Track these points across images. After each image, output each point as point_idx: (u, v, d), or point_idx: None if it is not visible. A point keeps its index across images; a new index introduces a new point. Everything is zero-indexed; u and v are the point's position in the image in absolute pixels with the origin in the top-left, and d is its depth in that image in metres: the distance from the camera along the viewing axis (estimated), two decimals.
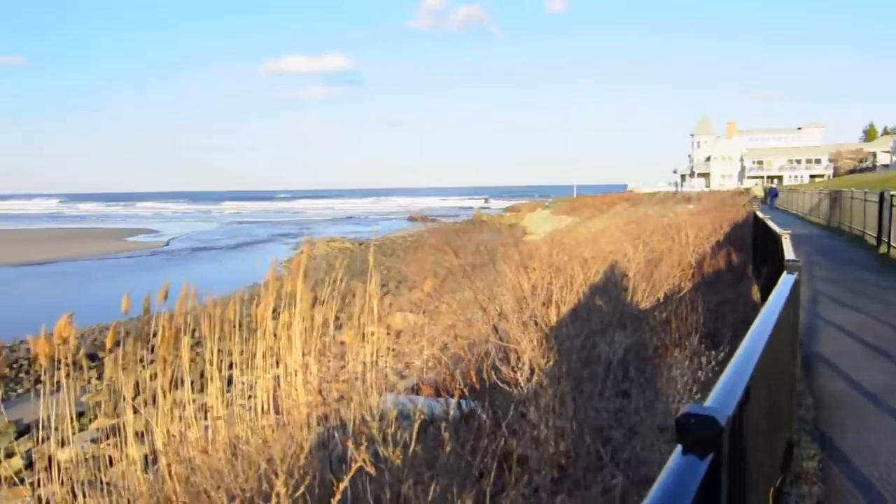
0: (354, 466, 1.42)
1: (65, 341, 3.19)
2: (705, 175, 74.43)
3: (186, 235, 44.11)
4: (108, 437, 9.39)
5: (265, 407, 3.75)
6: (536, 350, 2.45)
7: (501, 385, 2.70)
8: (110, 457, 6.90)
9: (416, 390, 5.22)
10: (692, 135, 78.10)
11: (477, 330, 4.49)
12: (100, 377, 11.43)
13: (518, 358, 2.51)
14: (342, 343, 5.23)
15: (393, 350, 5.13)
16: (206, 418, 4.21)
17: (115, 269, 27.27)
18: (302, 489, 1.35)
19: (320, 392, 3.22)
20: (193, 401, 4.17)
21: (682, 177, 76.96)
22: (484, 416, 2.51)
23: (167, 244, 37.87)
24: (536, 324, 2.61)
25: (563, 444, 2.16)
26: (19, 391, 11.21)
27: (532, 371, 2.37)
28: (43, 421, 9.06)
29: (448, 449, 1.98)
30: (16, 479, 7.44)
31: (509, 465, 1.98)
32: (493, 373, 2.72)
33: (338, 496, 1.28)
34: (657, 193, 48.03)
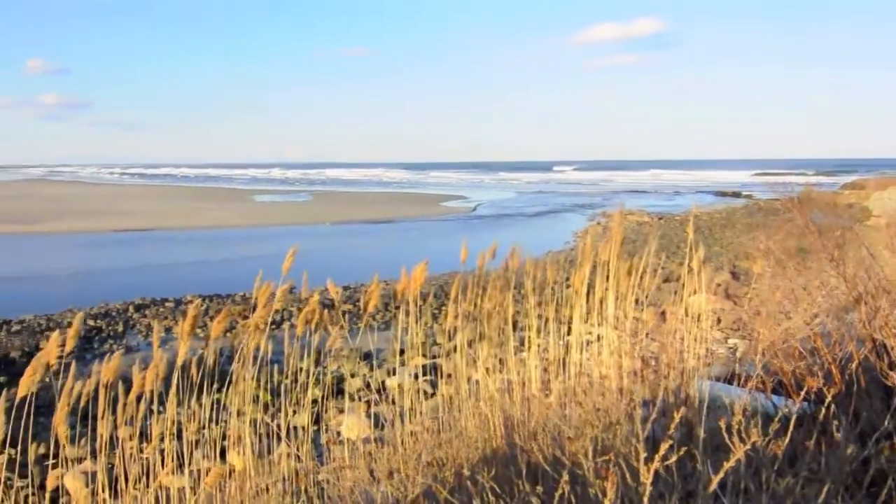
0: (734, 456, 1.28)
1: (418, 285, 3.65)
2: None
3: (491, 202, 47.45)
4: (423, 375, 10.73)
5: (579, 370, 3.80)
6: None
7: (869, 388, 2.24)
8: (425, 391, 7.89)
9: (728, 380, 4.74)
10: None
11: (804, 321, 3.84)
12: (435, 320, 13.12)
13: None
14: (636, 319, 4.99)
15: (694, 334, 4.72)
16: (506, 371, 4.46)
17: (438, 228, 30.98)
18: (673, 459, 1.27)
19: (636, 367, 3.12)
20: (495, 357, 4.44)
21: None
22: (842, 421, 2.10)
23: (475, 209, 41.27)
24: None
25: None
26: (360, 325, 13.45)
27: None
28: (377, 352, 10.69)
29: (810, 450, 1.70)
30: (356, 395, 9.02)
31: None
32: (859, 373, 2.26)
33: (714, 484, 1.17)
34: None
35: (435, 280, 16.14)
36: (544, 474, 1.67)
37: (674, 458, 1.32)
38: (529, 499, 1.40)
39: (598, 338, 4.13)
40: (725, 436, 1.40)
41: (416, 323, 4.58)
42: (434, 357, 10.75)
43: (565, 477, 1.32)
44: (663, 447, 1.25)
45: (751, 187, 55.54)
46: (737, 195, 47.60)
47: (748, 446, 1.30)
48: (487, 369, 3.88)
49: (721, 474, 1.24)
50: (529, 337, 4.07)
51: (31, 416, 2.59)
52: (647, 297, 4.23)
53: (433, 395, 7.52)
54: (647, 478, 1.23)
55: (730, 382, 4.50)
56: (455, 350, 5.30)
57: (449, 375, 5.04)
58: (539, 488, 1.43)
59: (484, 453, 2.99)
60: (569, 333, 4.59)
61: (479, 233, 26.75)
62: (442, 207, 43.02)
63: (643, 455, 1.41)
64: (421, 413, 4.60)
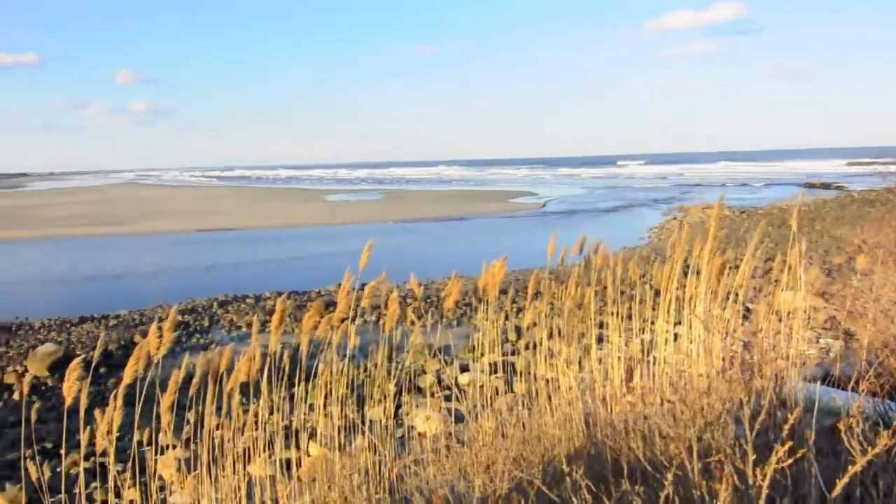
0: (858, 462, 1.20)
1: (498, 281, 3.64)
2: None
3: (560, 198, 46.81)
4: (496, 372, 10.74)
5: (663, 369, 3.68)
6: None
7: None
8: (497, 387, 7.87)
9: (825, 382, 4.48)
10: None
11: None
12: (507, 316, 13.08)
13: None
14: (727, 318, 4.78)
15: (786, 333, 4.47)
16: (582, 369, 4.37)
17: (510, 225, 30.90)
18: (787, 462, 1.20)
19: (731, 364, 2.98)
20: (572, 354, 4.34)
21: None
22: None
23: (544, 206, 40.82)
24: None
25: None
26: (431, 322, 13.57)
27: None
28: (445, 348, 10.69)
29: None
30: (430, 391, 9.10)
31: None
32: None
33: (839, 488, 1.09)
34: None
35: (508, 276, 16.11)
36: (641, 473, 1.62)
37: (788, 462, 1.25)
38: (629, 498, 1.36)
39: (676, 336, 3.98)
40: (845, 439, 1.31)
41: (494, 320, 4.56)
42: (507, 354, 10.71)
43: (669, 477, 1.27)
44: (780, 450, 1.18)
45: (845, 178, 52.29)
46: (826, 186, 44.87)
47: (877, 451, 1.20)
48: (567, 365, 3.81)
49: (846, 478, 1.16)
50: (608, 334, 3.98)
51: (140, 404, 2.75)
52: (743, 294, 4.04)
53: (507, 391, 7.47)
54: (761, 481, 1.16)
55: (826, 384, 4.25)
56: (530, 347, 5.23)
57: (527, 372, 5.00)
58: (639, 488, 1.39)
59: (568, 450, 2.94)
60: (650, 331, 4.45)
61: (552, 229, 26.38)
62: (511, 204, 42.79)
63: (752, 457, 1.34)
64: (495, 409, 4.58)
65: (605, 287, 4.06)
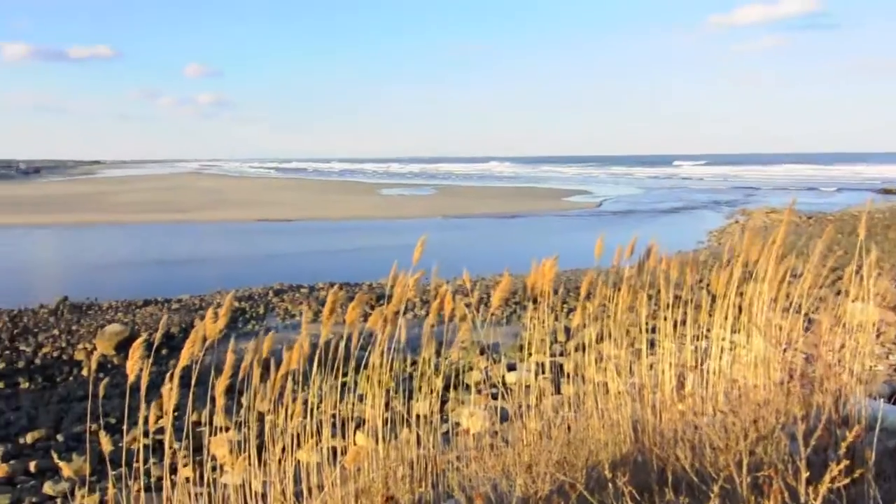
0: None
1: (548, 280, 3.61)
2: None
3: (616, 197, 45.93)
4: (543, 372, 10.62)
5: (717, 378, 3.57)
6: None
7: None
8: (543, 388, 7.81)
9: (894, 400, 4.28)
10: None
11: None
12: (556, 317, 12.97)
13: None
14: (787, 329, 4.58)
15: (852, 347, 4.26)
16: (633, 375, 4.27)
17: (564, 223, 30.57)
18: (844, 482, 1.15)
19: (791, 376, 2.87)
20: (621, 358, 4.25)
21: None
22: None
23: (600, 205, 40.13)
24: None
25: None
26: (480, 319, 13.56)
27: None
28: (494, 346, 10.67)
29: None
30: (476, 388, 9.10)
31: None
32: None
33: None
34: None
35: (560, 276, 15.95)
36: (687, 483, 1.57)
37: (845, 482, 1.19)
38: None
39: (734, 345, 3.84)
40: None
41: (543, 319, 4.51)
42: (554, 355, 10.61)
43: (716, 489, 1.23)
44: (835, 468, 1.13)
45: None
46: None
47: None
48: (617, 370, 3.74)
49: None
50: (661, 340, 3.88)
51: (193, 386, 2.86)
52: (806, 304, 3.88)
53: (554, 393, 7.39)
54: (814, 500, 1.12)
55: (894, 403, 4.04)
56: (579, 349, 5.16)
57: (576, 374, 4.94)
58: (684, 499, 1.35)
59: (613, 456, 2.89)
60: (704, 338, 4.32)
61: (606, 229, 26.06)
62: (566, 202, 42.27)
63: (805, 474, 1.29)
64: (541, 410, 4.54)
65: (659, 291, 3.96)
